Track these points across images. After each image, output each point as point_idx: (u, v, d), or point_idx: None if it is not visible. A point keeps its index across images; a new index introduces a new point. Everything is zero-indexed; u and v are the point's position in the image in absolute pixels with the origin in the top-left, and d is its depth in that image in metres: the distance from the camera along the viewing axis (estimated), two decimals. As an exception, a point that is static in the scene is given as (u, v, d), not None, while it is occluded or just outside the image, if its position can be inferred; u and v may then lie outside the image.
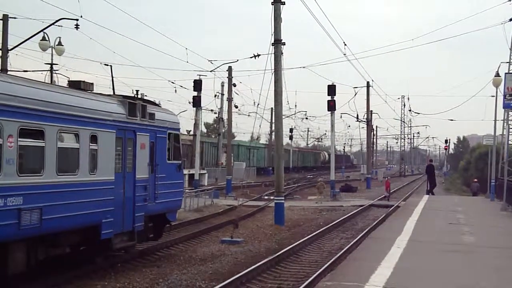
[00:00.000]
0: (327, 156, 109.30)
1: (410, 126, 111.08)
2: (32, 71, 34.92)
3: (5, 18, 26.52)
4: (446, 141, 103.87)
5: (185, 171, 32.43)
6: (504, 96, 30.87)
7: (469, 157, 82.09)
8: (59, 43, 28.72)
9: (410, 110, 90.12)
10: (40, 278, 12.59)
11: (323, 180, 43.44)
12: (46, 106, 11.77)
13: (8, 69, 26.43)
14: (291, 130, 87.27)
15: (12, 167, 10.74)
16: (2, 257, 11.14)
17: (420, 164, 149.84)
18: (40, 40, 27.30)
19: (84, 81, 14.40)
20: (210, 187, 39.95)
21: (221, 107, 55.05)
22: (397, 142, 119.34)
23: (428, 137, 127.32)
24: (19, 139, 10.93)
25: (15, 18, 27.98)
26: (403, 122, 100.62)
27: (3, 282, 11.45)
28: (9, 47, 26.54)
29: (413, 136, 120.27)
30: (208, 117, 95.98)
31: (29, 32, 36.82)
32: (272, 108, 64.76)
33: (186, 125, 66.97)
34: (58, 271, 13.36)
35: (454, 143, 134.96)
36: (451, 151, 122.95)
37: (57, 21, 26.94)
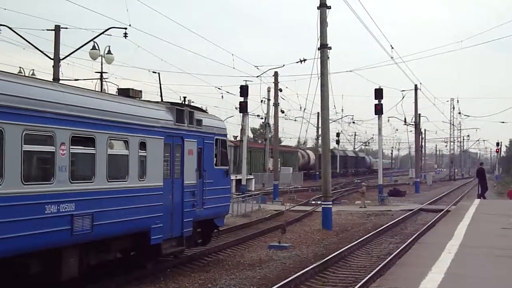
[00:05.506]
0: (312, 157, 79.29)
1: (460, 129, 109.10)
2: (83, 79, 35.74)
3: (57, 28, 27.15)
4: (497, 144, 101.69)
5: (232, 176, 32.54)
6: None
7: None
8: (109, 52, 29.30)
9: (459, 113, 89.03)
10: (91, 283, 12.82)
11: (366, 184, 42.87)
12: (96, 114, 12.01)
13: (60, 78, 27.05)
14: (337, 135, 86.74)
15: (65, 174, 11.00)
16: (55, 262, 11.39)
17: (471, 168, 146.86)
18: (90, 49, 27.93)
19: (132, 89, 14.62)
20: (257, 192, 39.99)
21: (268, 112, 55.20)
22: (446, 146, 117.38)
23: (478, 140, 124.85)
24: (71, 147, 11.17)
25: (66, 28, 28.65)
26: (453, 125, 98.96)
27: None
28: (61, 56, 27.16)
29: (463, 139, 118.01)
30: (254, 123, 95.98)
31: (79, 41, 37.59)
32: (318, 112, 64.69)
33: (232, 130, 67.33)
34: (108, 276, 13.58)
35: (506, 146, 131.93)
36: (502, 154, 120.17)
37: (106, 30, 27.52)
